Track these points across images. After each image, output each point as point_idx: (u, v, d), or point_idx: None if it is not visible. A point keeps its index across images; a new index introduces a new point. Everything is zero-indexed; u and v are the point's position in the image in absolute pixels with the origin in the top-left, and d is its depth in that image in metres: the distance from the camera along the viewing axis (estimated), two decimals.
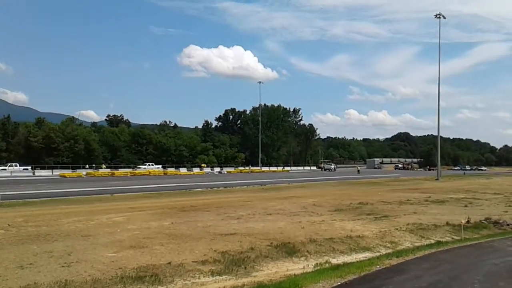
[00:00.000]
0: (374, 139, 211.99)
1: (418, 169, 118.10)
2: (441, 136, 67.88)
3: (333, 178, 55.67)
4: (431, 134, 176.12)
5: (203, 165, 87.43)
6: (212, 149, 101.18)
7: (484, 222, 15.96)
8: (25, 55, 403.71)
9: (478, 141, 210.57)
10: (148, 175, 66.46)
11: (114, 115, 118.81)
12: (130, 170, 72.51)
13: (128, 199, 24.78)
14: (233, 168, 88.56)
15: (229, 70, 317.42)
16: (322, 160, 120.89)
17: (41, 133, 78.47)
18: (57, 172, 64.31)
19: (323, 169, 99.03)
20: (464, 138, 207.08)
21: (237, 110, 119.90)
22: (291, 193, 30.13)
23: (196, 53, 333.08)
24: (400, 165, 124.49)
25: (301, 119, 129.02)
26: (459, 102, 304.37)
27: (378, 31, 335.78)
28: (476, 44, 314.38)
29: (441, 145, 68.76)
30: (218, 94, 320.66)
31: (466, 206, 21.82)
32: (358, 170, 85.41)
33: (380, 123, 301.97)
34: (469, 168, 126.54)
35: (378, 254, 10.84)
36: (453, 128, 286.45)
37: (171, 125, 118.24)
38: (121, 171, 69.96)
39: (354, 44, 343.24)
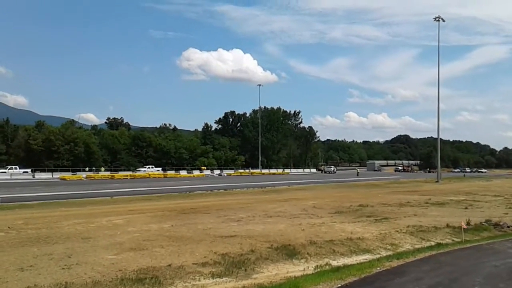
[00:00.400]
0: (374, 142, 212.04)
1: (418, 172, 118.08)
2: (441, 139, 67.94)
3: (333, 181, 55.65)
4: (431, 137, 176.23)
5: (203, 167, 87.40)
6: (212, 151, 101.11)
7: (485, 224, 15.95)
8: (25, 58, 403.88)
9: (478, 143, 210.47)
10: (148, 177, 66.42)
11: (114, 118, 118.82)
12: (130, 172, 72.45)
13: (128, 202, 24.77)
14: (233, 170, 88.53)
15: (228, 73, 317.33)
16: (322, 163, 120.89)
17: (41, 136, 78.46)
18: (57, 175, 64.23)
19: (323, 172, 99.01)
20: (464, 140, 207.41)
21: (236, 113, 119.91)
22: (291, 195, 30.12)
23: (195, 56, 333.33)
24: (400, 168, 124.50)
25: (301, 122, 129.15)
26: (458, 104, 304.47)
27: (378, 34, 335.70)
28: (475, 47, 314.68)
29: (441, 148, 68.79)
30: (218, 97, 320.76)
31: (466, 208, 21.81)
32: (358, 173, 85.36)
33: (380, 126, 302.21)
34: (469, 170, 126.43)
35: (378, 256, 10.83)
36: (453, 130, 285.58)
37: (171, 128, 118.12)
38: (121, 173, 69.90)
39: (353, 47, 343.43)
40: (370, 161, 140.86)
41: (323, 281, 7.67)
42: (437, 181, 54.24)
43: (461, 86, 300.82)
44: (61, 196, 28.36)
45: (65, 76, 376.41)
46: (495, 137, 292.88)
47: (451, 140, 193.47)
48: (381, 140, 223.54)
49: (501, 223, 16.05)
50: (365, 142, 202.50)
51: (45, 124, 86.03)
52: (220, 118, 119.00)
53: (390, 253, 11.23)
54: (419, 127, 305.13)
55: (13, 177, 59.78)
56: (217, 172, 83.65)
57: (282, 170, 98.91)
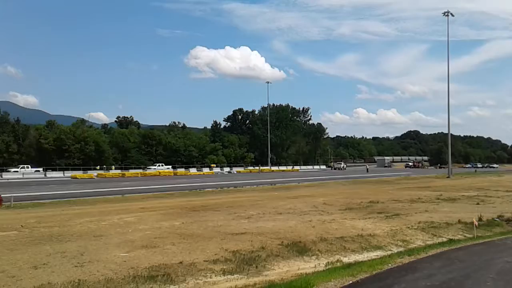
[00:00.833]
0: (384, 138, 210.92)
1: (429, 167, 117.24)
2: (451, 134, 67.37)
3: (343, 177, 55.47)
4: (441, 132, 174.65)
5: (212, 165, 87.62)
6: (221, 149, 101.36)
7: (497, 220, 15.81)
8: (35, 58, 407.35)
9: (489, 138, 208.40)
10: (158, 175, 66.78)
11: (124, 116, 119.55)
12: (141, 171, 72.92)
13: (139, 200, 24.93)
14: (243, 168, 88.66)
15: (236, 71, 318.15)
16: (331, 159, 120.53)
17: (52, 135, 79.23)
18: (68, 173, 64.86)
19: (332, 168, 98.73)
20: (475, 135, 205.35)
21: (245, 110, 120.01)
22: (301, 192, 30.09)
23: (203, 54, 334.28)
24: (410, 163, 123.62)
25: (310, 119, 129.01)
26: (469, 99, 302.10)
27: (386, 30, 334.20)
28: (485, 42, 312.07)
29: (452, 143, 68.19)
30: (226, 94, 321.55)
31: (478, 204, 21.62)
32: (367, 169, 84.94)
33: (389, 122, 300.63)
34: (480, 165, 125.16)
35: (389, 252, 10.78)
36: (463, 125, 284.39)
37: (180, 126, 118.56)
38: (132, 172, 70.40)
39: (361, 43, 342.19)
40: (380, 157, 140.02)
41: (335, 277, 7.66)
42: (448, 177, 53.79)
43: (471, 81, 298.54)
44: (73, 195, 28.63)
45: (74, 75, 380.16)
46: (507, 132, 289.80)
47: (462, 135, 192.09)
48: (391, 136, 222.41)
49: None
50: (374, 138, 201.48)
51: (55, 124, 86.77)
52: (228, 116, 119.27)
53: (401, 249, 11.17)
54: (429, 123, 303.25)
55: (25, 176, 60.50)
56: (226, 169, 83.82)
57: (291, 167, 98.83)
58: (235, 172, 79.96)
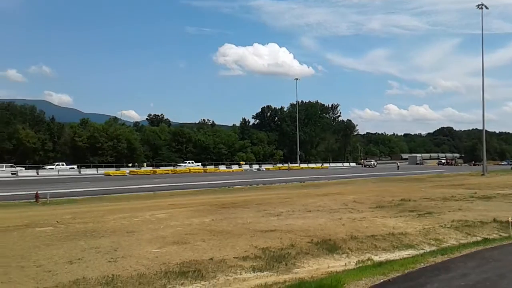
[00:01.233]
0: (415, 134, 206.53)
1: (463, 165, 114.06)
2: (486, 130, 65.34)
3: (374, 175, 54.72)
4: (476, 128, 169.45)
5: (241, 162, 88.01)
6: (250, 146, 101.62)
7: None
8: (68, 58, 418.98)
9: None
10: (188, 172, 67.56)
11: (155, 114, 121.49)
12: (171, 168, 73.96)
13: (170, 196, 25.32)
14: (272, 165, 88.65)
15: (264, 68, 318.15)
16: (362, 156, 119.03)
17: (86, 133, 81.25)
18: (101, 170, 66.45)
19: (363, 166, 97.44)
20: (510, 131, 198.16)
21: (273, 107, 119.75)
22: (330, 189, 29.87)
23: (231, 52, 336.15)
24: (443, 161, 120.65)
25: (339, 115, 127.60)
26: (504, 94, 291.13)
27: (417, 24, 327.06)
28: None
29: (487, 139, 66.13)
30: (254, 91, 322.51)
31: None
32: (398, 166, 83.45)
33: (421, 118, 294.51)
34: None
35: (422, 251, 10.59)
36: (498, 121, 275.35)
37: (210, 123, 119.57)
38: (163, 169, 71.46)
39: (392, 37, 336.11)
40: (412, 155, 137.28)
41: (366, 276, 7.58)
42: (482, 174, 52.29)
43: (506, 75, 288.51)
44: (106, 191, 29.32)
45: (107, 74, 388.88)
46: None
47: (497, 131, 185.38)
48: (423, 132, 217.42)
49: None
50: (406, 135, 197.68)
51: (89, 122, 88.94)
52: (257, 113, 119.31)
53: (434, 248, 10.96)
54: (463, 119, 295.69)
55: (60, 173, 62.34)
56: (255, 166, 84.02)
57: (320, 164, 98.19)
58: (264, 169, 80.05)
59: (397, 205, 19.45)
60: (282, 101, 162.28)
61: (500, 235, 12.70)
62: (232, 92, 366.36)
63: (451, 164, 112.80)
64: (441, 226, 13.77)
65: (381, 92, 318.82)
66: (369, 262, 9.39)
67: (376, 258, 9.85)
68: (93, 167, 71.18)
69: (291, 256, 9.60)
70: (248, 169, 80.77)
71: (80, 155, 78.10)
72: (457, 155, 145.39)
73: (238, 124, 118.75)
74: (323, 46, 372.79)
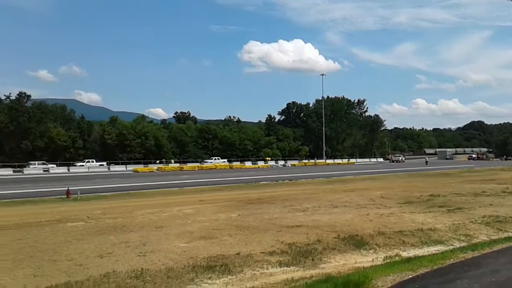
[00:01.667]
0: (445, 129, 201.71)
1: (494, 159, 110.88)
2: None
3: (402, 170, 53.81)
4: (507, 122, 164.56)
5: (267, 158, 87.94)
6: (276, 142, 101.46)
7: None
8: (97, 57, 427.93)
9: None
10: (214, 169, 67.98)
11: (182, 112, 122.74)
12: (198, 164, 74.59)
13: (197, 192, 25.58)
14: (297, 161, 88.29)
15: (289, 64, 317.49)
16: (389, 152, 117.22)
17: (115, 131, 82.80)
18: (130, 167, 67.58)
19: (390, 161, 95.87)
20: None
21: (299, 103, 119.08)
22: (357, 185, 29.58)
23: (256, 49, 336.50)
24: (474, 155, 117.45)
25: (366, 111, 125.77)
26: None
27: (445, 17, 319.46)
28: None
29: None
30: (280, 88, 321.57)
31: None
32: (426, 161, 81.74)
33: (451, 112, 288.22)
34: None
35: (451, 247, 10.40)
36: None
37: (235, 120, 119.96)
38: (189, 165, 72.16)
39: (419, 31, 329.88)
40: (441, 149, 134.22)
41: (394, 272, 7.48)
42: None
43: None
44: (135, 187, 29.84)
45: (135, 73, 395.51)
46: None
47: None
48: (453, 127, 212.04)
49: None
50: (435, 130, 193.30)
51: (118, 120, 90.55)
52: (282, 109, 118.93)
53: (464, 244, 10.74)
54: (494, 113, 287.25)
55: (90, 170, 63.70)
56: (281, 162, 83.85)
57: (347, 160, 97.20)
58: (289, 165, 79.83)
59: (426, 201, 19.13)
60: (308, 97, 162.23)
61: None
62: (257, 88, 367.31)
63: (482, 159, 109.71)
64: (472, 221, 13.48)
65: (409, 87, 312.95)
66: (397, 258, 9.28)
67: (405, 254, 9.72)
68: (122, 164, 72.45)
69: (318, 252, 9.59)
70: (273, 165, 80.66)
71: (109, 152, 79.65)
72: (488, 149, 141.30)
73: (263, 120, 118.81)
74: (349, 41, 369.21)
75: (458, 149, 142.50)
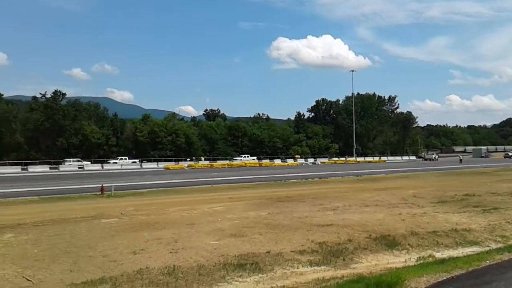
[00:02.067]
0: (480, 126, 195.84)
1: None
2: None
3: (435, 168, 52.62)
4: None
5: (296, 156, 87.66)
6: (305, 140, 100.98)
7: None
8: (129, 56, 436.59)
9: None
10: (244, 166, 68.22)
11: (211, 109, 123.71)
12: (227, 161, 75.03)
13: (227, 190, 25.73)
14: (327, 159, 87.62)
15: (318, 60, 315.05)
16: (422, 149, 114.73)
17: (147, 129, 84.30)
18: (161, 164, 68.62)
19: (423, 159, 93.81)
20: None
21: (328, 100, 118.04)
22: (389, 184, 29.10)
23: (284, 45, 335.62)
24: (510, 153, 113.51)
25: (397, 107, 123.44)
26: None
27: (480, 10, 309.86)
28: None
29: None
30: (309, 84, 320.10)
31: None
32: (461, 160, 79.56)
33: (486, 108, 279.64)
34: None
35: (487, 248, 10.13)
36: None
37: (264, 117, 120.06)
38: (219, 162, 72.69)
39: (453, 25, 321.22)
40: (476, 147, 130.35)
41: (427, 273, 7.34)
42: None
43: None
44: (167, 184, 30.25)
45: (166, 71, 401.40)
46: None
47: None
48: (488, 124, 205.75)
49: None
50: (469, 127, 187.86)
51: (150, 117, 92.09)
52: (312, 106, 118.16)
53: (500, 245, 10.43)
54: None
55: (123, 167, 65.07)
56: (311, 160, 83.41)
57: (378, 158, 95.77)
58: (319, 163, 79.30)
59: (460, 200, 18.66)
60: (337, 94, 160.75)
61: None
62: (286, 85, 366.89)
63: None
64: (508, 222, 13.09)
65: (442, 82, 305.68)
66: (430, 259, 9.11)
67: (438, 255, 9.53)
68: (154, 161, 73.66)
69: (349, 251, 9.51)
70: (303, 163, 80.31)
71: (141, 150, 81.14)
72: None
73: (292, 117, 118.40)
74: (379, 36, 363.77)
75: (494, 147, 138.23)
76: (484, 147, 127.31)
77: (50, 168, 61.14)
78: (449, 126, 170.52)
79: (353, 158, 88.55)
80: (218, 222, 13.22)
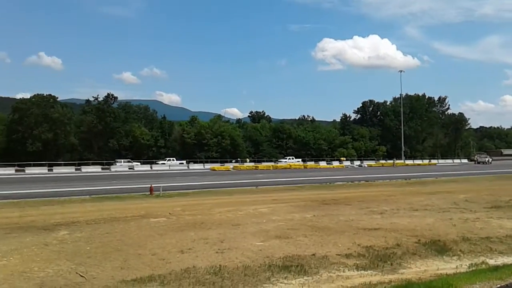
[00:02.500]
0: None
1: None
2: None
3: (488, 172, 50.35)
4: None
5: (342, 158, 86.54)
6: (351, 142, 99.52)
7: None
8: (177, 59, 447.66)
9: None
10: (288, 168, 68.11)
11: (256, 111, 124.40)
12: (272, 163, 75.22)
13: (272, 191, 25.78)
14: (374, 161, 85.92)
15: (365, 61, 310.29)
16: (474, 152, 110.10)
17: (193, 130, 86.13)
18: (208, 165, 69.86)
19: (476, 162, 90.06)
20: None
21: (375, 101, 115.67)
22: (439, 187, 28.15)
23: (329, 46, 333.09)
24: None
25: (448, 108, 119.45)
26: None
27: None
28: None
29: None
30: (354, 85, 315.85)
31: None
32: None
33: None
34: None
35: None
36: None
37: (309, 119, 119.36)
38: (264, 164, 73.01)
39: (507, 23, 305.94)
40: None
41: (480, 280, 7.05)
42: None
43: None
44: (212, 185, 30.73)
45: (212, 74, 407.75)
46: None
47: None
48: None
49: None
50: None
51: (197, 119, 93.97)
52: (358, 108, 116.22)
53: None
54: None
55: (171, 168, 66.73)
56: (357, 163, 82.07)
57: (428, 160, 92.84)
58: (365, 165, 77.86)
59: None
60: (384, 95, 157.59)
61: None
62: (332, 87, 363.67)
63: None
64: None
65: (496, 82, 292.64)
66: (483, 266, 8.73)
67: (492, 262, 9.12)
68: (200, 162, 75.08)
69: (397, 256, 9.29)
70: (349, 165, 79.16)
71: (188, 151, 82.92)
72: None
73: (338, 119, 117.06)
74: (429, 35, 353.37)
75: None
76: None
77: (102, 168, 63.80)
78: (504, 128, 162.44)
79: (402, 161, 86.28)
80: (263, 224, 13.28)
